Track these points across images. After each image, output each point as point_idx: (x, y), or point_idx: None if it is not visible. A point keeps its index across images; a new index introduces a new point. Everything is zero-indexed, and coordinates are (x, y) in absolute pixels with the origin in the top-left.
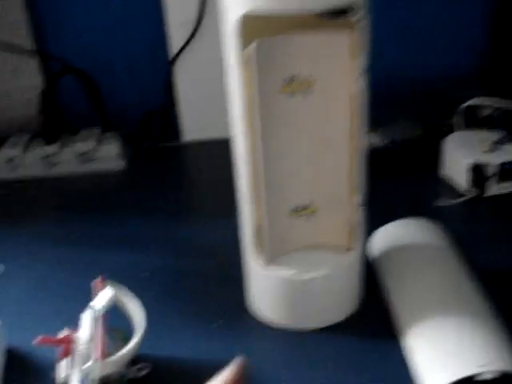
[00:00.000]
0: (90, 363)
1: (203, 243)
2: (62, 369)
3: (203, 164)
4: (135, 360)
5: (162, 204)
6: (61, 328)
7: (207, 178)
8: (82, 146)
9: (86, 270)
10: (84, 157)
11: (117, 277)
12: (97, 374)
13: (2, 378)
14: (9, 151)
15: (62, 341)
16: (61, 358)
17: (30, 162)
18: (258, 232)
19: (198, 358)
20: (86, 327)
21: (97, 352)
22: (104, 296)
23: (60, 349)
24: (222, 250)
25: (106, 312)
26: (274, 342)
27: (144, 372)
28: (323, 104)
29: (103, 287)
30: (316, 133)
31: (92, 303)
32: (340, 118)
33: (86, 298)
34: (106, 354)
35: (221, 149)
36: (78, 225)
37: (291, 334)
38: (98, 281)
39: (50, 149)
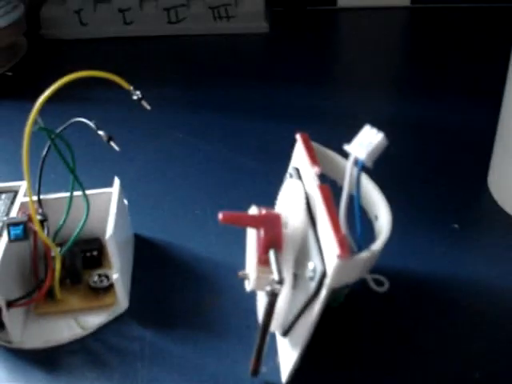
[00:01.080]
0: (316, 262)
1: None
2: (264, 268)
3: (358, 34)
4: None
5: (308, 75)
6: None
7: (361, 49)
8: None
9: (225, 141)
10: (218, 12)
11: (274, 154)
12: (332, 280)
13: (132, 261)
14: (122, 0)
15: (262, 220)
16: (260, 251)
17: (148, 13)
18: None
19: (431, 272)
20: (298, 203)
21: (336, 243)
22: (364, 141)
23: (254, 234)
24: (414, 128)
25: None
26: None
27: (383, 288)
28: None
29: (312, 147)
30: None
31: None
32: None
33: (240, 175)
34: (349, 248)
35: (379, 18)
36: (208, 91)
37: None
38: (302, 136)
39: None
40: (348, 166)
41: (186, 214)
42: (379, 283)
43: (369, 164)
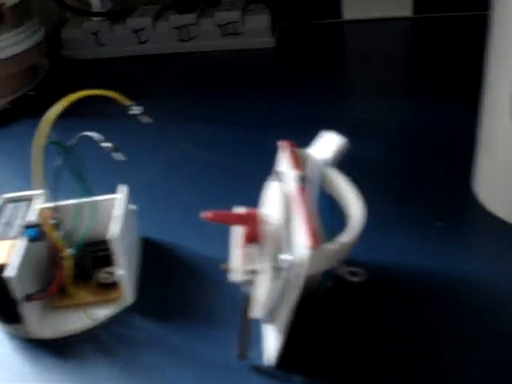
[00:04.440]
0: (290, 253)
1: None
2: (244, 260)
3: (362, 45)
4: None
5: (316, 86)
6: None
7: (364, 59)
8: (225, 16)
9: (228, 151)
10: (226, 29)
11: (273, 162)
12: (305, 268)
13: (139, 267)
14: (137, 20)
15: (243, 218)
16: (240, 245)
17: (161, 33)
18: None
19: (412, 270)
20: (278, 202)
21: (307, 236)
22: (327, 144)
23: (236, 231)
24: (406, 132)
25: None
26: None
27: (359, 278)
28: None
29: (295, 152)
30: None
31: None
32: None
33: (239, 181)
34: (320, 240)
35: (384, 30)
36: (216, 104)
37: None
38: (285, 143)
39: (186, 18)
40: (314, 168)
41: (189, 218)
42: (355, 274)
43: (332, 166)
